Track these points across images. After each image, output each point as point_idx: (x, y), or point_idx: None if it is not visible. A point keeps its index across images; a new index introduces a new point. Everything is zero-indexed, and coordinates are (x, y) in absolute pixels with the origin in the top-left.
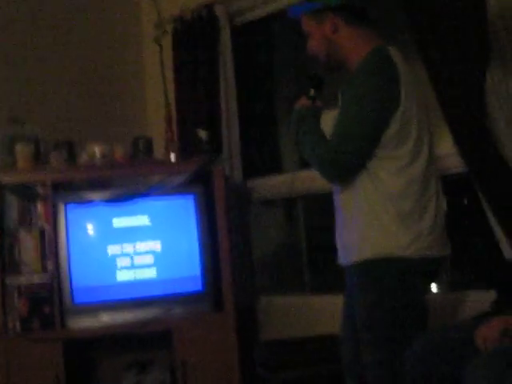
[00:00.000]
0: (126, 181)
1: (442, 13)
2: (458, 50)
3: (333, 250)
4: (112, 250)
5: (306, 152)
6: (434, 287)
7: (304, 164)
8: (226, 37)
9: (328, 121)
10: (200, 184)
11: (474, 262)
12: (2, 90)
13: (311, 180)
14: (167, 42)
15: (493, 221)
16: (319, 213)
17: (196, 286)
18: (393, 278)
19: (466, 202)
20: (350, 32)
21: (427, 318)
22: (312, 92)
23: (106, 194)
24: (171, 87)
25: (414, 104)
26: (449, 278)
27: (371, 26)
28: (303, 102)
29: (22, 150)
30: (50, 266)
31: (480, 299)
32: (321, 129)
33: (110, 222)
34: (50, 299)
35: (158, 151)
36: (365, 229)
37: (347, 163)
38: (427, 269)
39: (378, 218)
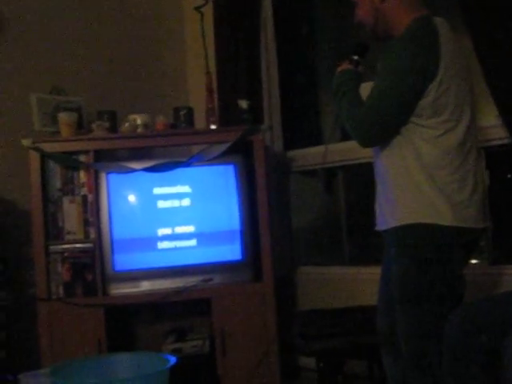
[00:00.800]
0: (166, 150)
1: None
2: (504, 20)
3: (372, 220)
4: (153, 218)
5: (343, 113)
6: (473, 260)
7: (344, 135)
8: (267, 6)
9: (366, 90)
10: (240, 154)
11: None
12: (45, 61)
13: (350, 151)
14: (208, 11)
15: None
16: (359, 183)
17: (235, 255)
18: (428, 245)
19: (510, 175)
20: (398, 2)
21: (463, 290)
22: (356, 57)
23: (147, 163)
24: (212, 57)
25: (455, 75)
26: (489, 252)
27: None
28: (346, 65)
29: (65, 119)
30: (92, 233)
31: None
32: (359, 93)
33: (151, 191)
34: (92, 266)
35: (199, 121)
36: (403, 195)
37: (378, 126)
38: (464, 240)
39: (416, 185)
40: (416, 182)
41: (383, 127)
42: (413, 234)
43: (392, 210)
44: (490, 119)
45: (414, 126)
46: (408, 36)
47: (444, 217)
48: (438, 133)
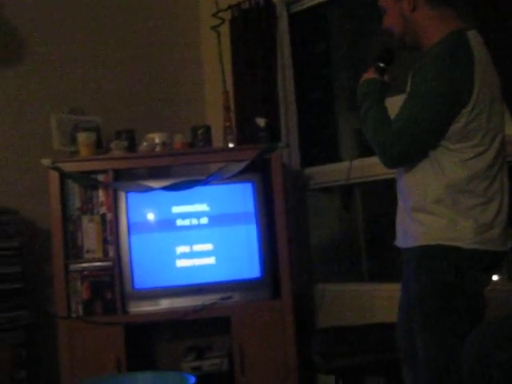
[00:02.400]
0: (185, 169)
1: None
2: None
3: (390, 237)
4: (171, 236)
5: (367, 129)
6: (494, 277)
7: (362, 152)
8: (283, 24)
9: (394, 104)
10: (258, 172)
11: None
12: (64, 81)
13: (369, 167)
14: (225, 30)
15: None
16: (377, 200)
17: (254, 272)
18: (449, 267)
19: None
20: (429, 11)
21: (483, 311)
22: (382, 65)
23: (165, 182)
24: (229, 76)
25: (488, 98)
26: (509, 268)
27: (453, 6)
28: (371, 74)
29: (84, 139)
30: (111, 252)
31: None
32: (385, 107)
33: (170, 210)
34: (111, 284)
35: (217, 139)
36: (424, 214)
37: (405, 151)
38: (485, 263)
39: (439, 206)
40: (439, 202)
41: (411, 151)
42: (433, 254)
43: (413, 228)
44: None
45: (442, 149)
46: (441, 57)
47: (465, 239)
48: (466, 156)
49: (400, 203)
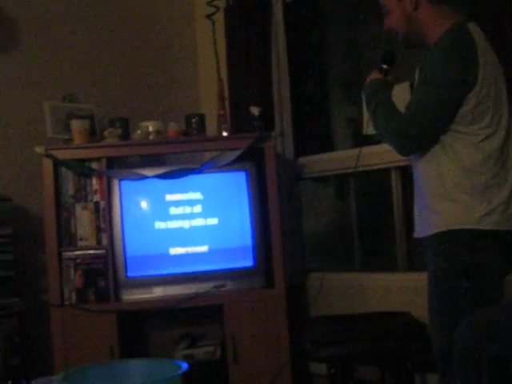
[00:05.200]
0: (178, 157)
1: None
2: None
3: (383, 227)
4: (165, 224)
5: (379, 124)
6: None
7: (355, 142)
8: (278, 13)
9: (398, 94)
10: (252, 160)
11: None
12: (58, 69)
13: (362, 157)
14: (220, 19)
15: None
16: (370, 190)
17: (247, 261)
18: (465, 249)
19: None
20: (430, 9)
21: (496, 297)
22: (385, 66)
23: (159, 170)
24: (224, 64)
25: (493, 82)
26: None
27: (452, 4)
28: (375, 75)
29: (78, 127)
30: (104, 240)
31: None
32: (392, 102)
33: (163, 198)
34: (104, 272)
35: (211, 128)
36: (439, 201)
37: (418, 136)
38: (504, 243)
39: (452, 191)
40: (452, 187)
41: (423, 137)
42: (449, 240)
43: (428, 216)
44: None
45: (454, 133)
46: (446, 45)
47: (480, 220)
48: (478, 139)
49: (416, 192)
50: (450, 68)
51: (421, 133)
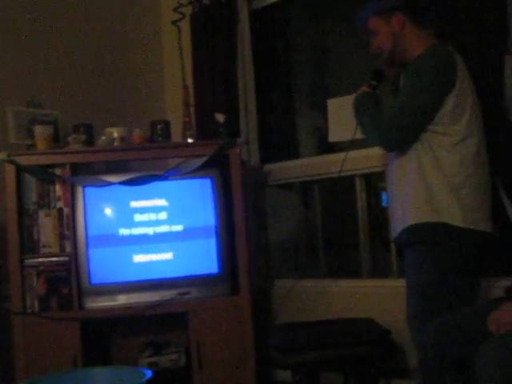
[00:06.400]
0: (143, 164)
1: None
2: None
3: (348, 234)
4: (129, 231)
5: (366, 127)
6: None
7: (320, 150)
8: (244, 20)
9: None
10: (217, 167)
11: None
12: (21, 73)
13: (327, 164)
14: (186, 25)
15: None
16: (335, 197)
17: (212, 268)
18: (438, 243)
19: None
20: (414, 29)
21: (472, 299)
22: (373, 82)
23: (123, 177)
24: (189, 71)
25: (470, 91)
26: None
27: (431, 27)
28: (364, 89)
29: (41, 132)
30: (67, 247)
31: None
32: (379, 108)
33: (128, 204)
34: (67, 280)
35: (176, 135)
36: (417, 199)
37: (403, 131)
38: (473, 242)
39: (430, 189)
40: (430, 185)
41: (407, 130)
42: (423, 232)
43: (405, 214)
44: None
45: (433, 135)
46: (427, 55)
47: (455, 217)
48: (455, 140)
49: (392, 195)
50: (432, 69)
51: (404, 128)
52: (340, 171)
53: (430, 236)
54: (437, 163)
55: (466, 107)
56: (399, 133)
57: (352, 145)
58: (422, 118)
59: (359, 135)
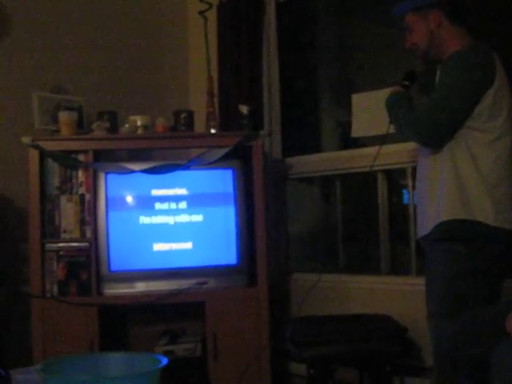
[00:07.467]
0: (165, 153)
1: None
2: None
3: (368, 230)
4: (149, 220)
5: (402, 123)
6: None
7: (342, 145)
8: (270, 12)
9: None
10: (239, 159)
11: None
12: (47, 59)
13: (348, 160)
14: (212, 16)
15: None
16: (356, 192)
17: (231, 259)
18: (470, 241)
19: None
20: (450, 27)
21: (495, 300)
22: (406, 83)
23: (145, 165)
24: (214, 61)
25: (506, 92)
26: None
27: (467, 25)
28: (397, 89)
29: (66, 118)
30: (88, 233)
31: None
32: (412, 104)
33: (149, 193)
34: (87, 265)
35: (199, 124)
36: (450, 196)
37: (441, 126)
38: (504, 240)
39: (463, 185)
40: (464, 182)
41: (445, 125)
42: (455, 228)
43: (438, 209)
44: None
45: (469, 131)
46: (467, 51)
47: (489, 216)
48: (492, 137)
49: (421, 193)
50: (471, 65)
51: (441, 122)
52: (371, 166)
53: (460, 233)
54: (472, 160)
55: (503, 105)
56: (437, 128)
57: (384, 140)
58: (460, 113)
59: (390, 131)
